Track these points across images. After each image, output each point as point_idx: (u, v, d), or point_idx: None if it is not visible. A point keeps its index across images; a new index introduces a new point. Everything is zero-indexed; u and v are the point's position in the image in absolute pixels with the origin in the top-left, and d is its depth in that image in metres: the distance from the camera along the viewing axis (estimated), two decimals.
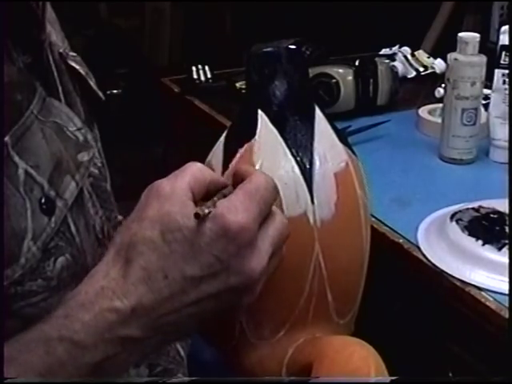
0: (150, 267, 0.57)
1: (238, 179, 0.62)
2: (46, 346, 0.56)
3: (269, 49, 0.61)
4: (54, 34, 0.71)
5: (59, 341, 0.56)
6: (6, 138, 0.58)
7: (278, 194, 0.62)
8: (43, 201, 0.61)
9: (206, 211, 0.57)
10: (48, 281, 0.61)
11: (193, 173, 0.60)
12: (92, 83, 0.76)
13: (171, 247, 0.57)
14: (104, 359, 0.57)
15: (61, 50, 0.71)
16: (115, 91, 2.55)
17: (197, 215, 0.57)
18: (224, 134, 0.75)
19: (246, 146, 0.70)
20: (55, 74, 0.69)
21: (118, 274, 0.58)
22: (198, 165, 0.61)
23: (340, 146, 0.73)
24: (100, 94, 0.77)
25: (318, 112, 0.72)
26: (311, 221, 0.70)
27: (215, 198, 0.59)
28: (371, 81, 1.39)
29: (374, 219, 1.03)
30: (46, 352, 0.56)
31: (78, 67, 0.74)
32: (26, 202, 0.59)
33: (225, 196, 0.60)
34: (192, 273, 0.57)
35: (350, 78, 1.38)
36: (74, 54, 0.74)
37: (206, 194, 0.60)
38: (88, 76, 0.75)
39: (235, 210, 0.57)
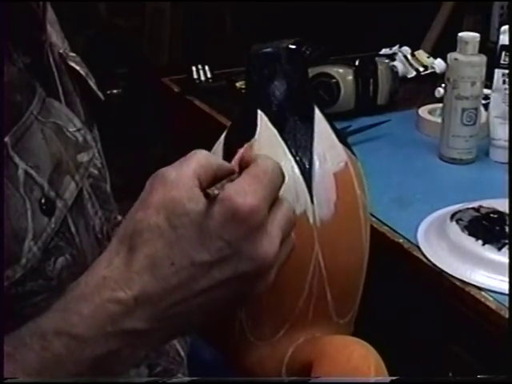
0: (156, 254, 0.54)
1: (245, 165, 0.59)
2: (42, 341, 0.53)
3: (268, 49, 0.61)
4: (54, 35, 0.71)
5: (56, 335, 0.53)
6: (6, 139, 0.58)
7: (284, 179, 0.59)
8: (43, 201, 0.60)
9: (216, 192, 0.55)
10: (48, 281, 0.61)
11: (198, 159, 0.57)
12: (92, 84, 0.76)
13: (178, 233, 0.54)
14: (106, 354, 0.54)
15: (61, 51, 0.71)
16: (115, 91, 2.55)
17: (206, 195, 0.55)
18: (223, 134, 0.75)
19: (245, 146, 0.70)
20: (55, 74, 0.69)
21: (120, 262, 0.55)
22: (204, 152, 0.58)
23: (339, 146, 0.73)
24: (100, 94, 0.77)
25: (317, 112, 0.72)
26: (311, 220, 0.70)
27: (223, 181, 0.57)
28: (371, 81, 1.39)
29: (373, 219, 1.03)
30: (42, 347, 0.53)
31: (77, 68, 0.74)
32: (26, 202, 0.59)
33: (232, 181, 0.57)
34: (201, 259, 0.54)
35: (350, 77, 1.38)
36: (74, 55, 0.74)
37: (213, 181, 0.57)
38: (88, 76, 0.75)
39: (244, 192, 0.55)
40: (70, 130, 0.67)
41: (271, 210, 0.57)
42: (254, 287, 0.57)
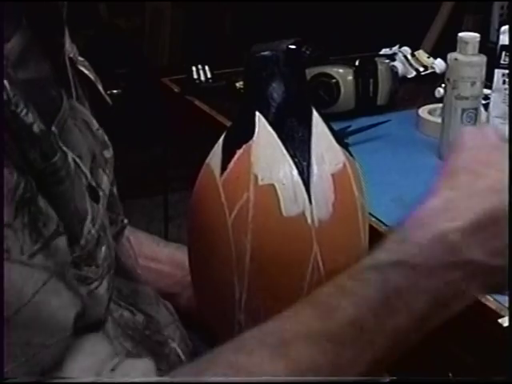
0: (497, 186, 0.55)
1: None
2: (379, 274, 0.53)
3: (266, 52, 0.61)
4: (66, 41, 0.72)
5: (395, 266, 0.53)
6: (53, 128, 0.59)
7: None
8: (89, 190, 0.62)
9: None
10: (98, 268, 0.61)
11: None
12: (101, 88, 0.77)
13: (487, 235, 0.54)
14: (441, 287, 0.53)
15: (71, 55, 0.72)
16: (115, 91, 2.55)
17: None
18: (223, 136, 0.75)
19: (243, 147, 0.70)
20: (70, 77, 0.70)
21: (456, 194, 0.56)
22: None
23: (337, 147, 0.73)
24: (108, 99, 0.77)
25: (315, 114, 0.72)
26: (309, 221, 0.70)
27: None
28: (371, 81, 1.40)
29: (373, 219, 1.03)
30: (382, 280, 0.53)
31: (86, 72, 0.74)
32: (82, 186, 0.60)
33: None
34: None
35: (350, 78, 1.38)
36: (83, 59, 0.75)
37: None
38: (97, 81, 0.76)
39: None
40: (94, 127, 0.69)
41: None
42: None
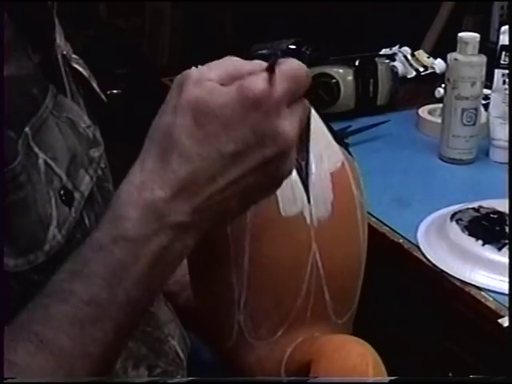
0: (187, 153, 0.57)
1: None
2: (103, 251, 0.57)
3: (264, 51, 0.61)
4: (58, 37, 0.72)
5: (113, 243, 0.57)
6: (27, 129, 0.59)
7: (308, 81, 0.60)
8: (62, 192, 0.62)
9: None
10: None
11: (222, 62, 0.60)
12: (95, 85, 0.77)
13: (206, 130, 0.57)
14: (161, 249, 0.57)
15: (64, 52, 0.72)
16: (115, 91, 2.55)
17: None
18: None
19: None
20: (63, 73, 0.70)
21: (155, 165, 0.58)
22: (233, 58, 0.60)
23: (335, 145, 0.73)
24: (102, 96, 0.77)
25: (313, 112, 0.72)
26: (308, 220, 0.70)
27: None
28: (371, 81, 1.39)
29: (373, 219, 1.03)
30: (105, 257, 0.57)
31: (80, 69, 0.74)
32: (50, 190, 0.61)
33: None
34: (229, 150, 0.57)
35: (350, 78, 1.38)
36: (77, 57, 0.75)
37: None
38: (91, 78, 0.76)
39: (258, 79, 0.57)
40: (82, 125, 0.68)
41: (291, 105, 0.58)
42: (281, 169, 0.59)
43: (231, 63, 0.59)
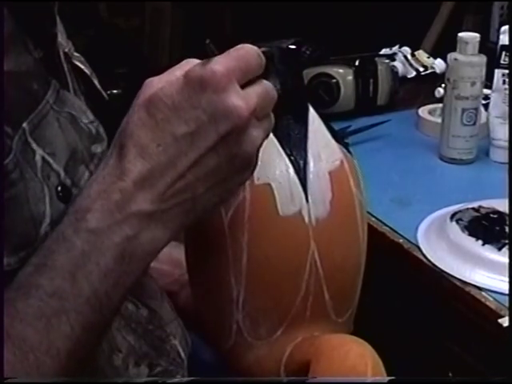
0: (142, 142, 0.57)
1: None
2: (66, 243, 0.57)
3: (262, 49, 0.61)
4: (60, 35, 0.72)
5: (76, 234, 0.57)
6: (24, 125, 0.59)
7: (262, 61, 0.61)
8: (59, 188, 0.62)
9: None
10: None
11: (183, 67, 0.60)
12: (96, 83, 0.77)
13: (157, 118, 0.58)
14: (125, 240, 0.57)
15: (66, 50, 0.72)
16: (115, 91, 2.55)
17: None
18: None
19: None
20: (65, 69, 0.70)
21: (114, 160, 0.58)
22: (193, 60, 0.61)
23: (334, 144, 0.73)
24: (104, 93, 0.78)
25: (311, 111, 0.72)
26: (306, 219, 0.70)
27: None
28: (371, 81, 1.39)
29: (373, 219, 1.03)
30: (68, 249, 0.56)
31: (82, 67, 0.74)
32: (45, 187, 0.61)
33: None
34: (181, 131, 0.57)
35: (350, 77, 1.38)
36: (78, 55, 0.75)
37: None
38: (92, 76, 0.76)
39: (202, 63, 0.58)
40: (84, 121, 0.68)
41: (248, 84, 0.59)
42: (242, 146, 0.59)
43: (187, 65, 0.60)
